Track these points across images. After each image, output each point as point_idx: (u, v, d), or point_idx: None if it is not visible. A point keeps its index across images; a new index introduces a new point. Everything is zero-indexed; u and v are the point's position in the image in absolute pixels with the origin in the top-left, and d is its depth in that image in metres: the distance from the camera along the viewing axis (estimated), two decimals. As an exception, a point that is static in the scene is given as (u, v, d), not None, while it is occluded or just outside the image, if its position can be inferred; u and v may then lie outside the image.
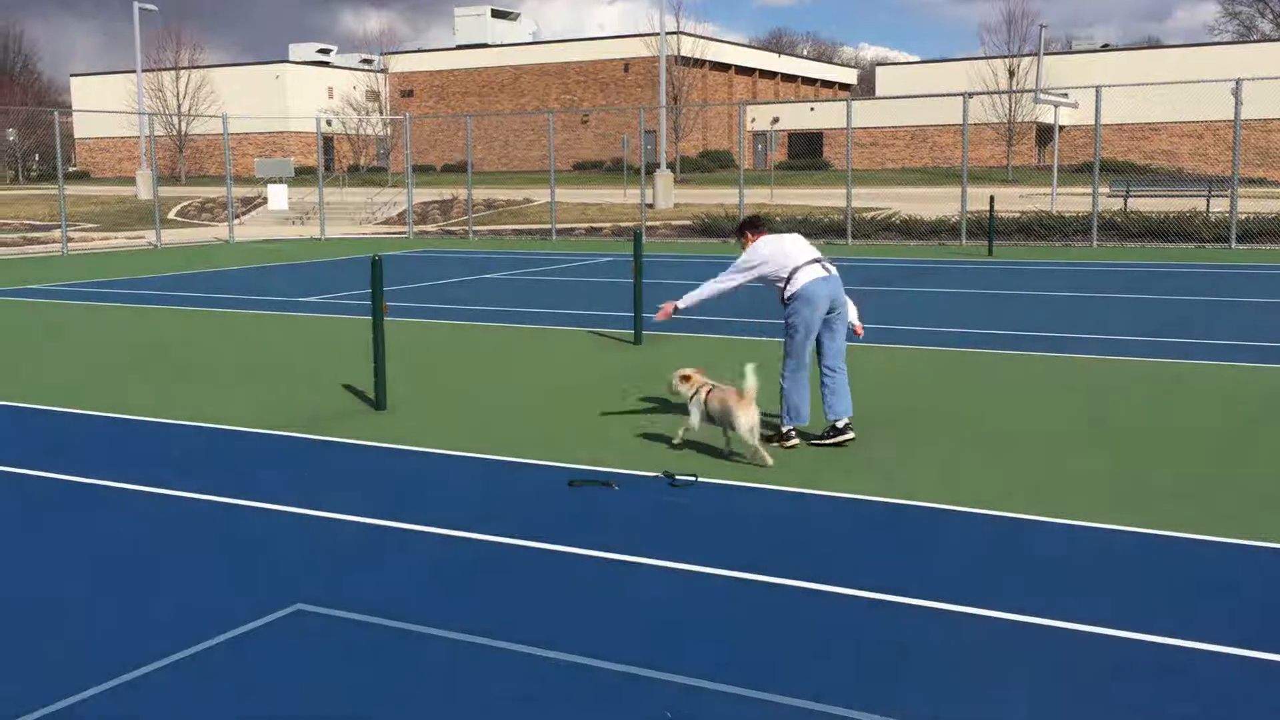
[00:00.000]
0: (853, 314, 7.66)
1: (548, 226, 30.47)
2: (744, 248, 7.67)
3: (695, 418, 7.09)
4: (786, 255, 7.37)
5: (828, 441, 7.30)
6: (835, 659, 4.21)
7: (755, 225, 7.78)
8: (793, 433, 7.35)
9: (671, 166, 44.44)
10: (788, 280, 7.27)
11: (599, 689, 3.99)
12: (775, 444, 7.22)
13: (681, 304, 7.83)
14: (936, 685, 4.01)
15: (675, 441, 7.29)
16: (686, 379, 7.21)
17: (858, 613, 4.65)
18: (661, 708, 3.84)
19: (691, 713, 3.82)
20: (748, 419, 6.70)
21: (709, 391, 7.03)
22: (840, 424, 7.30)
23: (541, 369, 10.49)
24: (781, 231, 7.88)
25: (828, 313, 7.30)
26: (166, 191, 41.50)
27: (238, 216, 36.15)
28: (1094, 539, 5.50)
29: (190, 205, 41.81)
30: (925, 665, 4.17)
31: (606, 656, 4.22)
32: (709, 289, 7.73)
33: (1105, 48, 65.15)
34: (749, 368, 6.76)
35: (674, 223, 30.70)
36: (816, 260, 7.34)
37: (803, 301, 7.23)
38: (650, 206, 33.20)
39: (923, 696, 3.91)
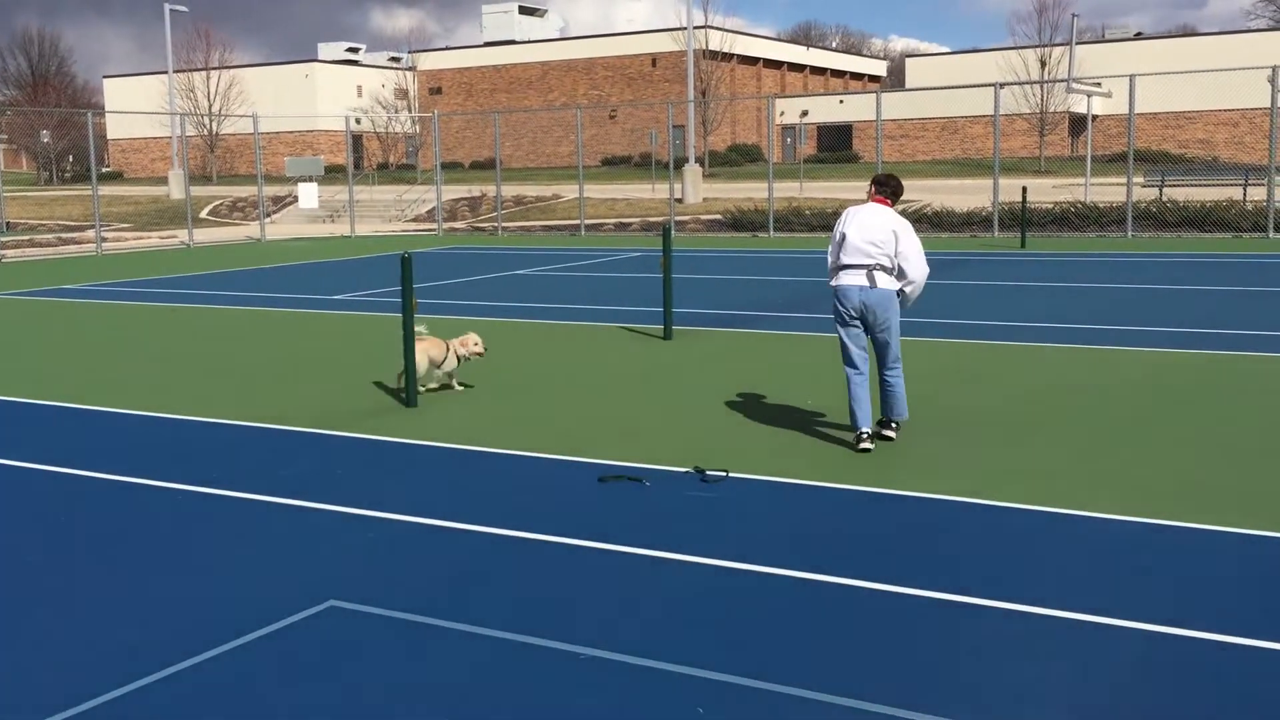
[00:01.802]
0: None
1: (576, 222, 30.47)
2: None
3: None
4: (837, 243, 7.21)
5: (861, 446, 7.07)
6: (869, 655, 4.17)
7: (879, 183, 7.34)
8: (862, 435, 7.05)
9: (700, 161, 44.35)
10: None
11: (631, 685, 3.97)
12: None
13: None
14: (977, 682, 3.96)
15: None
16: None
17: (892, 608, 4.60)
18: (693, 704, 3.81)
19: (723, 709, 3.79)
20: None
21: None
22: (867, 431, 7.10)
23: (571, 365, 10.48)
24: (865, 203, 7.32)
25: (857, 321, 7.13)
26: (198, 191, 41.86)
27: (269, 215, 36.39)
28: (1126, 532, 5.43)
29: (222, 204, 42.13)
30: (965, 662, 4.12)
31: (638, 652, 4.20)
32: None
33: (1139, 36, 64.43)
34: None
35: (703, 217, 30.62)
36: (862, 266, 7.04)
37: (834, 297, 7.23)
38: (679, 201, 33.14)
39: (963, 693, 3.87)
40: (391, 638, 4.41)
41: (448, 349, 8.99)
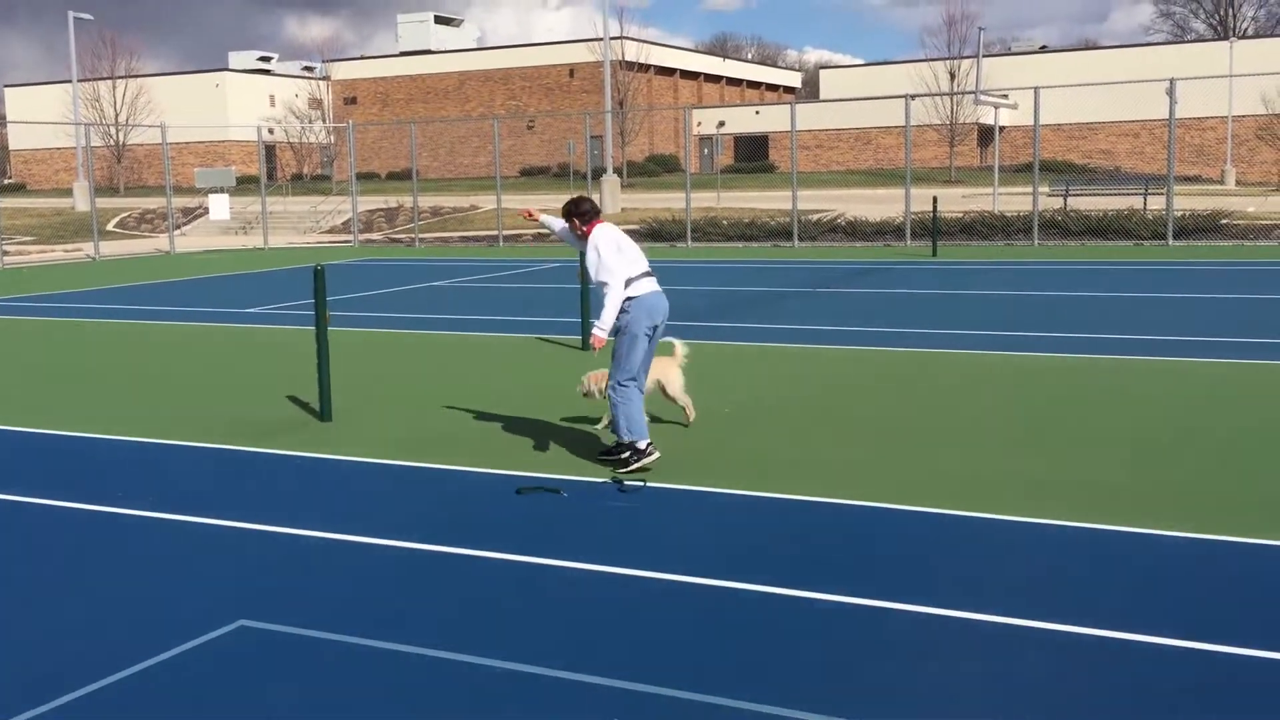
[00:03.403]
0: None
1: (494, 233, 30.35)
2: (581, 234, 7.05)
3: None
4: (619, 252, 6.85)
5: (635, 466, 6.76)
6: (788, 661, 4.22)
7: (588, 211, 7.10)
8: (651, 447, 6.80)
9: (618, 171, 44.44)
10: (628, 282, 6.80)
11: (547, 697, 3.96)
12: (635, 467, 6.73)
13: (606, 332, 6.82)
14: (901, 686, 4.02)
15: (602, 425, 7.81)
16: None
17: (809, 615, 4.66)
18: (609, 714, 3.82)
19: (641, 718, 3.80)
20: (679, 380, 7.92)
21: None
22: (642, 445, 6.81)
23: (488, 376, 10.43)
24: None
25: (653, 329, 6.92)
26: (105, 203, 40.82)
27: (178, 227, 35.63)
28: (1035, 534, 5.57)
29: (129, 216, 41.13)
30: (887, 667, 4.18)
31: (555, 665, 4.20)
32: (613, 301, 6.77)
33: (1043, 49, 66.14)
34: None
35: (621, 227, 30.62)
36: (652, 274, 6.93)
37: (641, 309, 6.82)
38: (597, 211, 33.12)
39: (886, 698, 3.93)
40: (304, 657, 4.34)
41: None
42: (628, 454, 6.79)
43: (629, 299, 6.80)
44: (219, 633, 4.56)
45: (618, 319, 6.79)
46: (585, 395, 7.87)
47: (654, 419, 7.73)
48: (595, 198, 32.56)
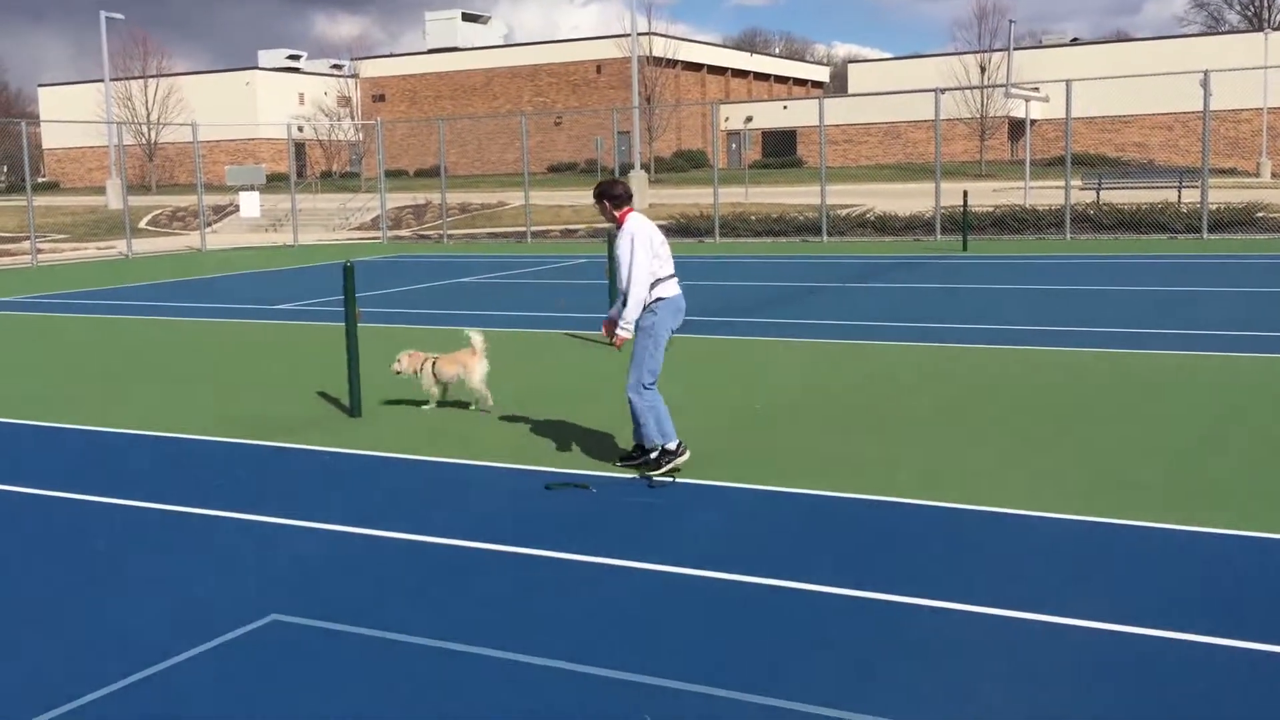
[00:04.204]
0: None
1: (523, 229, 30.39)
2: (610, 216, 6.84)
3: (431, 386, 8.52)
4: (653, 251, 6.65)
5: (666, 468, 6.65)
6: (815, 657, 4.18)
7: (620, 196, 6.88)
8: (682, 447, 6.70)
9: (645, 167, 44.40)
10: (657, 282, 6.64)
11: (578, 693, 3.95)
12: (668, 467, 6.59)
13: (630, 331, 6.67)
14: (917, 682, 3.99)
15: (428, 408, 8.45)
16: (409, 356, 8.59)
17: (836, 610, 4.62)
18: (641, 711, 3.80)
19: (672, 715, 3.78)
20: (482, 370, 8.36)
21: (434, 361, 8.51)
22: (672, 445, 6.69)
23: (517, 372, 10.43)
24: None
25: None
26: (137, 200, 41.18)
27: (210, 225, 35.90)
28: (1057, 529, 5.51)
29: (161, 214, 41.48)
30: (905, 662, 4.14)
31: (586, 660, 4.18)
32: (639, 299, 6.61)
33: (1075, 42, 65.60)
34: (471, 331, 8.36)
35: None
36: (675, 275, 6.77)
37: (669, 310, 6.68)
38: (625, 207, 33.10)
39: (905, 694, 3.89)
40: (336, 651, 4.35)
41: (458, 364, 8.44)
42: (656, 455, 6.70)
43: (657, 299, 6.65)
44: (251, 627, 4.57)
45: (642, 318, 6.66)
46: (397, 374, 8.61)
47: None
48: (623, 193, 32.52)
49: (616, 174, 29.60)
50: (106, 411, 8.98)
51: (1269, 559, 5.08)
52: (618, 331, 6.69)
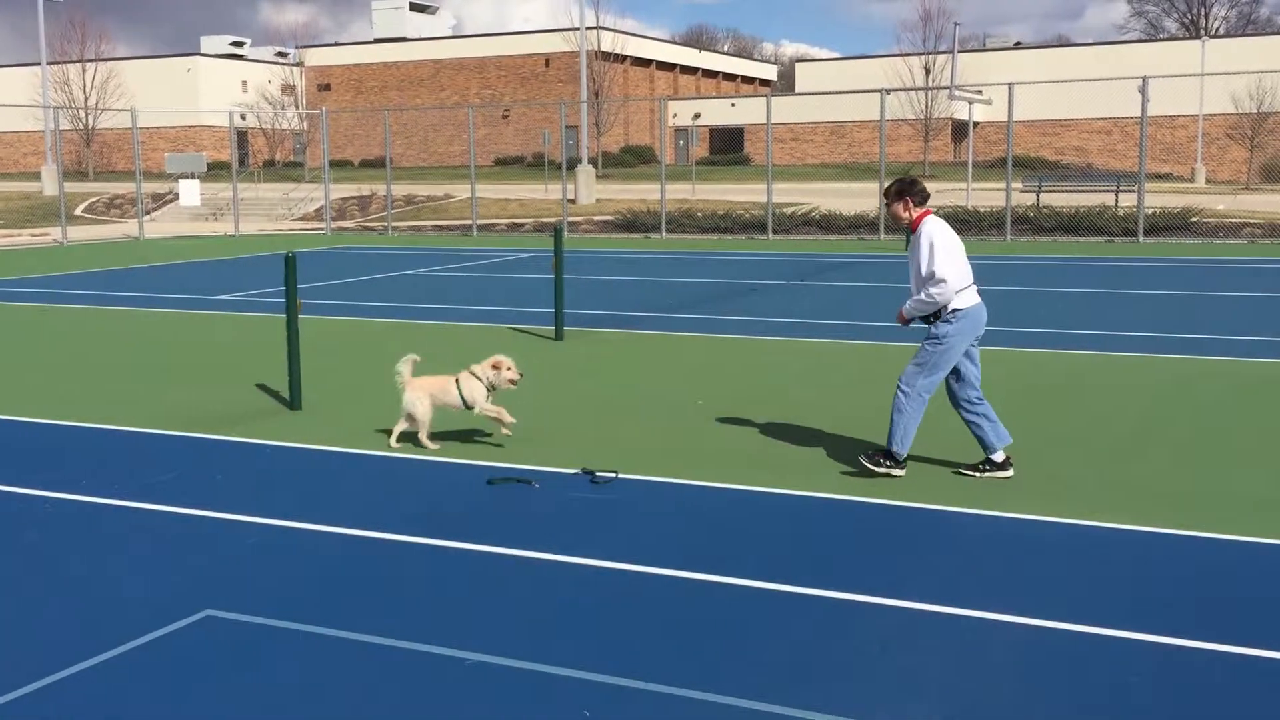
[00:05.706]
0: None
1: (469, 222, 30.21)
2: (902, 219, 6.64)
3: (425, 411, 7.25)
4: (954, 256, 6.44)
5: (1000, 474, 6.46)
6: (758, 654, 4.21)
7: (921, 193, 6.69)
8: (903, 464, 6.47)
9: (593, 162, 44.35)
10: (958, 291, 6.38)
11: (515, 689, 3.94)
12: (881, 471, 6.40)
13: (911, 317, 6.61)
14: (869, 680, 4.03)
15: (393, 443, 7.23)
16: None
17: (777, 607, 4.65)
18: (580, 708, 3.80)
19: (612, 712, 3.79)
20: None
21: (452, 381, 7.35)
22: (1000, 457, 6.51)
23: (460, 366, 10.36)
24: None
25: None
26: (73, 187, 40.37)
27: (148, 213, 35.28)
28: (1007, 529, 5.59)
29: (99, 201, 40.68)
30: (853, 660, 4.18)
31: (524, 656, 4.17)
32: (934, 304, 6.40)
33: (1018, 45, 66.45)
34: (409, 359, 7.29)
35: (595, 218, 30.63)
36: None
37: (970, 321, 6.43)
38: (572, 202, 33.09)
39: (853, 692, 3.93)
40: (270, 646, 4.30)
41: (458, 383, 7.33)
42: (882, 456, 6.46)
43: (955, 310, 6.36)
44: (185, 622, 4.51)
45: (939, 327, 6.38)
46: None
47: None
48: (570, 188, 32.46)
49: (564, 168, 29.51)
50: (36, 402, 8.79)
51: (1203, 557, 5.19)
52: (903, 309, 6.54)
